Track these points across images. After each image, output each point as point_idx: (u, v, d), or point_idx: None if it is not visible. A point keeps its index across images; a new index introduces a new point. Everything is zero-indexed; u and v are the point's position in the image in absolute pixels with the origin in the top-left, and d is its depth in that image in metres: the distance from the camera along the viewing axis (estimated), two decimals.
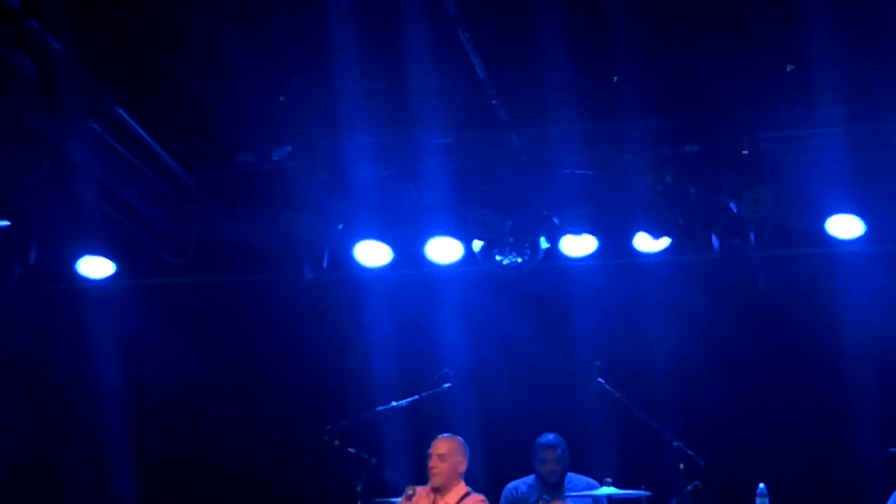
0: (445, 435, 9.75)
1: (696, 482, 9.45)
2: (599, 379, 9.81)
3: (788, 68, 9.17)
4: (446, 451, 9.66)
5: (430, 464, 9.65)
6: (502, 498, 10.29)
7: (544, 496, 9.79)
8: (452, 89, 9.35)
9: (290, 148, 9.93)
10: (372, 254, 10.44)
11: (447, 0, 8.29)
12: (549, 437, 10.22)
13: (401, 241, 10.44)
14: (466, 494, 9.64)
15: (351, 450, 9.55)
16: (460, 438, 9.75)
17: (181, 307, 11.57)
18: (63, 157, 9.47)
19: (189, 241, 11.04)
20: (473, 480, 9.95)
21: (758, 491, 9.17)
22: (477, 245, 10.40)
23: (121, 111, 9.41)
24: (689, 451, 9.53)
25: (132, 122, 9.55)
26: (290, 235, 10.34)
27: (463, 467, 9.69)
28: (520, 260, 10.39)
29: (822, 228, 10.12)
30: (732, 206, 9.80)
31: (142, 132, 9.70)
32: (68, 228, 10.27)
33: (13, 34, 8.24)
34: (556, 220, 10.23)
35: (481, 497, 9.67)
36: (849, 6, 8.52)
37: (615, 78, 9.24)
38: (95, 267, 10.59)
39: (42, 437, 11.58)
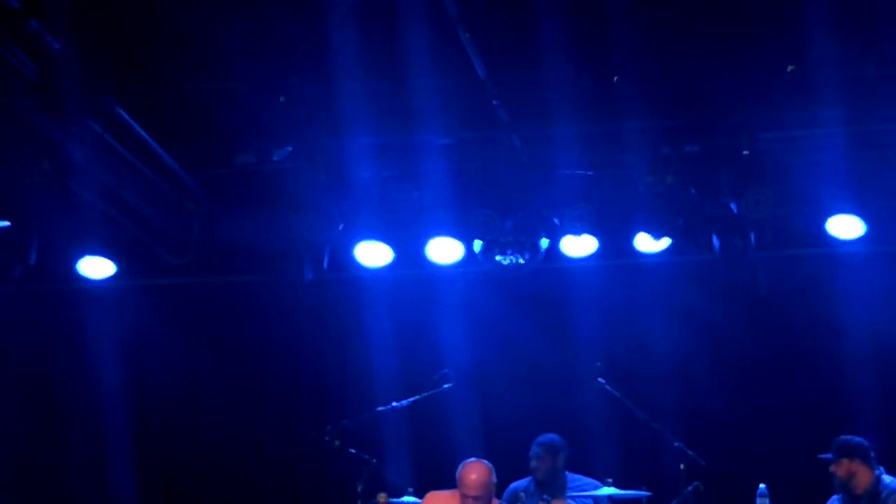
0: (473, 474, 8.83)
1: (697, 482, 9.46)
2: (600, 379, 9.83)
3: (788, 68, 9.17)
4: (482, 491, 8.82)
5: None
6: (503, 498, 10.29)
7: (545, 496, 9.80)
8: (453, 89, 9.35)
9: (290, 148, 9.93)
10: (372, 254, 10.44)
11: (448, 0, 8.29)
12: (544, 435, 10.23)
13: (401, 241, 10.43)
14: None
15: (351, 450, 9.56)
16: (485, 463, 9.01)
17: (181, 307, 11.58)
18: (63, 158, 9.47)
19: (189, 242, 11.04)
20: None
21: (758, 491, 9.19)
22: (477, 245, 10.41)
23: (121, 111, 9.41)
24: (690, 452, 9.54)
25: (132, 122, 9.55)
26: (291, 236, 10.33)
27: (494, 487, 9.06)
28: (520, 260, 10.39)
29: (822, 228, 10.12)
30: (733, 206, 9.80)
31: (142, 132, 9.69)
32: (68, 228, 10.27)
33: (13, 34, 8.24)
34: (556, 221, 10.23)
35: None
36: (849, 6, 8.52)
37: (615, 78, 9.24)
38: (95, 267, 10.59)
39: (42, 437, 11.58)
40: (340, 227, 10.29)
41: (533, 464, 10.19)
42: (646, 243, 10.22)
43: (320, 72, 9.04)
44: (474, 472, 8.93)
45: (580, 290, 10.87)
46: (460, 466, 9.04)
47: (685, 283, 10.96)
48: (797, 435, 10.89)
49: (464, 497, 8.93)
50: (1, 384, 11.48)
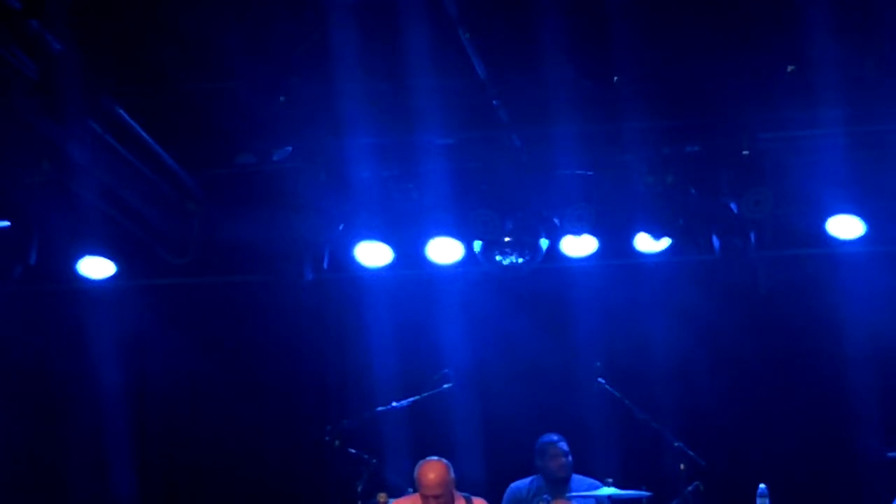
0: (431, 473, 8.86)
1: (697, 482, 9.46)
2: (600, 379, 9.83)
3: (788, 69, 9.17)
4: (442, 489, 8.84)
5: None
6: (504, 498, 10.28)
7: (545, 496, 9.79)
8: (453, 89, 9.35)
9: (290, 148, 9.94)
10: (372, 254, 10.44)
11: (448, 1, 8.29)
12: (552, 435, 10.24)
13: (401, 241, 10.44)
14: (468, 501, 9.45)
15: (351, 450, 9.55)
16: (442, 461, 9.03)
17: (181, 307, 11.58)
18: (63, 158, 9.48)
19: (189, 242, 11.05)
20: (474, 482, 9.94)
21: (758, 491, 9.18)
22: (477, 245, 10.41)
23: (121, 111, 9.41)
24: (690, 452, 9.54)
25: (132, 122, 9.55)
26: (291, 236, 10.34)
27: (454, 483, 9.06)
28: (520, 260, 10.39)
29: (822, 228, 10.12)
30: (733, 206, 9.80)
31: (142, 132, 9.70)
32: (68, 228, 10.28)
33: (13, 34, 8.24)
34: (556, 221, 10.23)
35: (481, 500, 9.49)
36: (849, 6, 8.52)
37: (615, 78, 9.24)
38: (95, 267, 10.59)
39: (42, 437, 11.58)
40: (340, 227, 10.30)
41: (561, 460, 10.14)
42: (646, 243, 10.22)
43: (320, 72, 9.04)
44: (432, 471, 8.91)
45: (580, 290, 10.87)
46: (417, 467, 9.01)
47: (685, 283, 10.96)
48: (797, 435, 10.90)
49: (425, 498, 8.93)
50: (1, 384, 11.48)
